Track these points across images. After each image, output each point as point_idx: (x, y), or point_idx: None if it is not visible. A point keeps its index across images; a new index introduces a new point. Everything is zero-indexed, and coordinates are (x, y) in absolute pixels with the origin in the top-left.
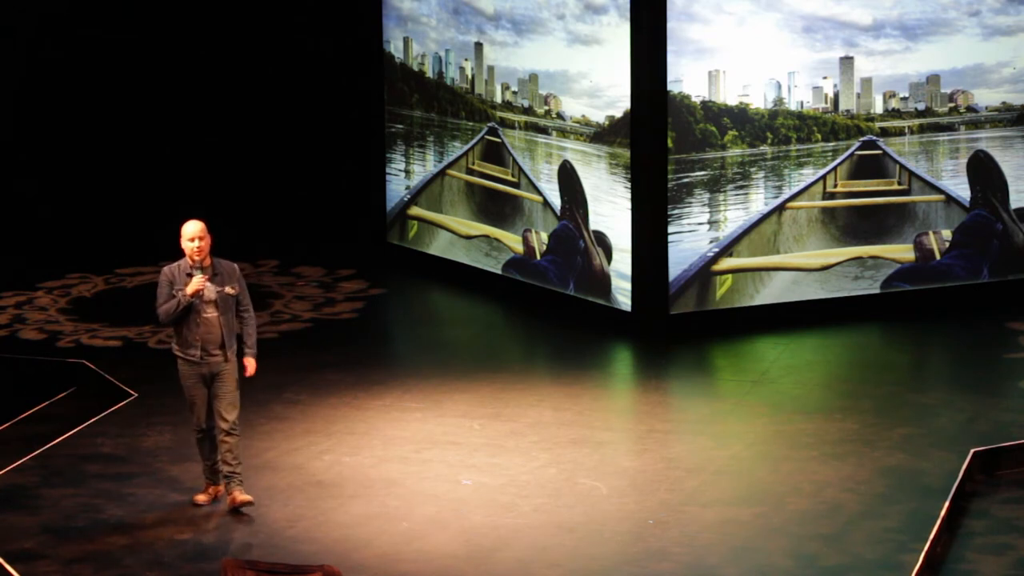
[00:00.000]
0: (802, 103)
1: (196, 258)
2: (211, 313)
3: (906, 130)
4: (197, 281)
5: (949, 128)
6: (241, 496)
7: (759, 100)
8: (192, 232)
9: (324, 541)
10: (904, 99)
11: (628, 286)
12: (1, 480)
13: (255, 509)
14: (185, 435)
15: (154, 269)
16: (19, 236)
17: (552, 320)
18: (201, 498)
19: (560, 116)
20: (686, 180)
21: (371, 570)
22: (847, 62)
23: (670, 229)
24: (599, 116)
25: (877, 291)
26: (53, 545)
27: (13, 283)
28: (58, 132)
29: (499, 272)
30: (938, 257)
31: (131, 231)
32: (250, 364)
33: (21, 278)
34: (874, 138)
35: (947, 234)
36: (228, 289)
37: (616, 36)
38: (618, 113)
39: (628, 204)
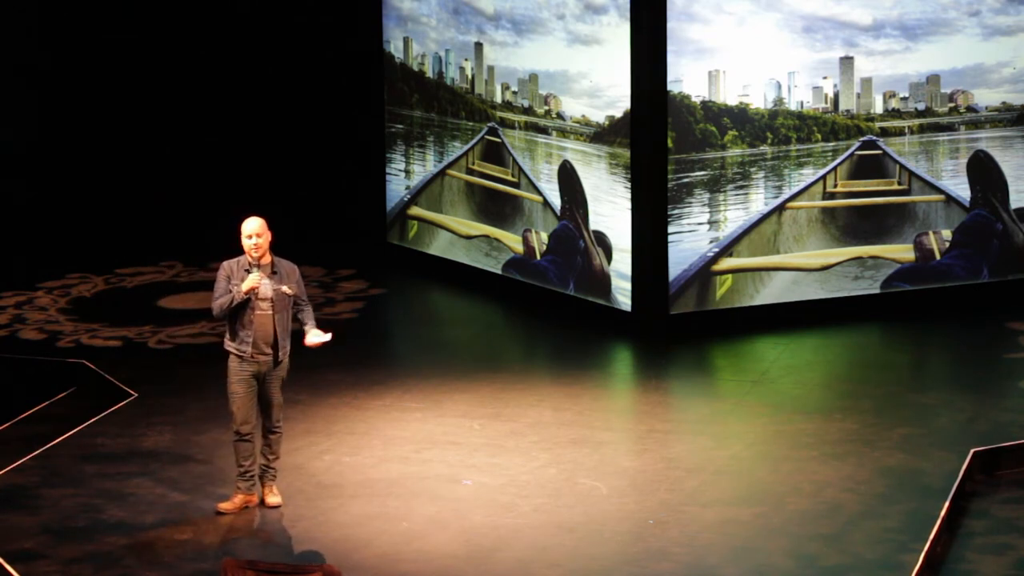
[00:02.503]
0: (802, 103)
1: (254, 255)
2: (265, 310)
3: (906, 130)
4: (253, 279)
5: (949, 128)
6: (270, 498)
7: (759, 100)
8: (250, 229)
9: (324, 541)
10: (904, 99)
11: (628, 286)
12: (1, 480)
13: (256, 509)
14: (185, 435)
15: (154, 269)
16: (19, 236)
17: (552, 320)
18: (225, 506)
19: (560, 116)
20: (686, 180)
21: (371, 570)
22: (847, 62)
23: (670, 229)
24: (599, 116)
25: (877, 291)
26: (53, 545)
27: (13, 283)
28: (58, 132)
29: (499, 272)
30: (938, 257)
31: (131, 231)
32: (319, 334)
33: (21, 278)
34: (874, 138)
35: (947, 234)
36: (285, 288)
37: (616, 36)
38: (618, 113)
39: (628, 204)
